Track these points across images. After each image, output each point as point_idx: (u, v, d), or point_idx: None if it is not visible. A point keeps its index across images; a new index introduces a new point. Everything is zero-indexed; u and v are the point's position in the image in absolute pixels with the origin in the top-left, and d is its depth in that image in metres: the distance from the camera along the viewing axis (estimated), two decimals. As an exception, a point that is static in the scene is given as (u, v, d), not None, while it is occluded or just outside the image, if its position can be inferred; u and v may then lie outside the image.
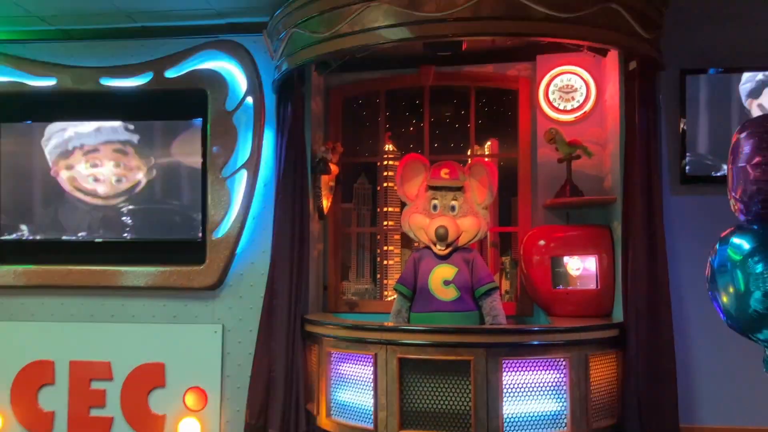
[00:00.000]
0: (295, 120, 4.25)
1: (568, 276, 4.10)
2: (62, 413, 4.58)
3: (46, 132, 4.79)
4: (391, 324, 4.00)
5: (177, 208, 4.68)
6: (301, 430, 4.06)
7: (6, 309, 4.75)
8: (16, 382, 4.63)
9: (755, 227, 2.19)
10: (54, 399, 4.59)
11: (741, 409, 4.01)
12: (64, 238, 4.78)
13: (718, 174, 4.04)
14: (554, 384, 3.57)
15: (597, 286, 4.03)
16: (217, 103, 4.55)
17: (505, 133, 4.69)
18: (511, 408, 3.49)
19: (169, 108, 4.72)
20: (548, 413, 3.55)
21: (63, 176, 4.76)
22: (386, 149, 4.91)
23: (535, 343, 3.59)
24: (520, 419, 3.51)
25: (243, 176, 4.52)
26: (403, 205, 4.29)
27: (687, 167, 4.13)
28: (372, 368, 3.66)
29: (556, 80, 4.32)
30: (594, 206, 4.19)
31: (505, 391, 3.48)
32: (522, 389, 3.53)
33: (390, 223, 4.88)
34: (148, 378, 4.53)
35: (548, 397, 3.56)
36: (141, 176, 4.69)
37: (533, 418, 3.53)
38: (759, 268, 2.10)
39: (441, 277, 4.01)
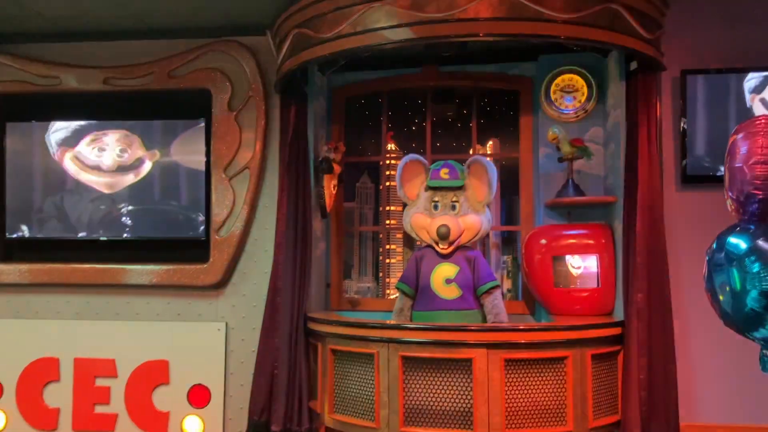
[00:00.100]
0: (298, 120, 4.29)
1: (569, 275, 4.12)
2: (67, 410, 4.61)
3: (52, 127, 4.81)
4: (393, 322, 4.02)
5: (181, 207, 4.71)
6: (303, 428, 4.08)
7: (11, 306, 4.78)
8: (21, 379, 4.66)
9: (751, 227, 2.22)
10: (59, 396, 4.62)
11: (741, 407, 4.03)
12: (69, 236, 4.81)
13: (719, 174, 4.05)
14: (555, 382, 3.59)
15: (598, 285, 4.05)
16: (221, 102, 4.58)
17: (507, 132, 4.71)
18: (512, 406, 3.51)
19: (173, 108, 4.76)
20: (549, 411, 3.57)
21: (67, 158, 4.78)
22: (388, 148, 4.93)
23: (537, 341, 3.61)
24: (522, 417, 3.53)
25: (246, 175, 4.55)
26: (405, 204, 4.31)
27: (687, 167, 4.15)
28: (374, 366, 3.69)
29: (558, 80, 4.33)
30: (595, 205, 4.21)
31: (506, 388, 3.50)
32: (523, 387, 3.55)
33: (392, 221, 4.91)
34: (152, 375, 4.56)
35: (549, 394, 3.58)
36: (143, 154, 4.72)
37: (534, 416, 3.55)
38: (755, 267, 2.13)
39: (443, 276, 4.03)
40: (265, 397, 4.17)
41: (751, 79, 4.05)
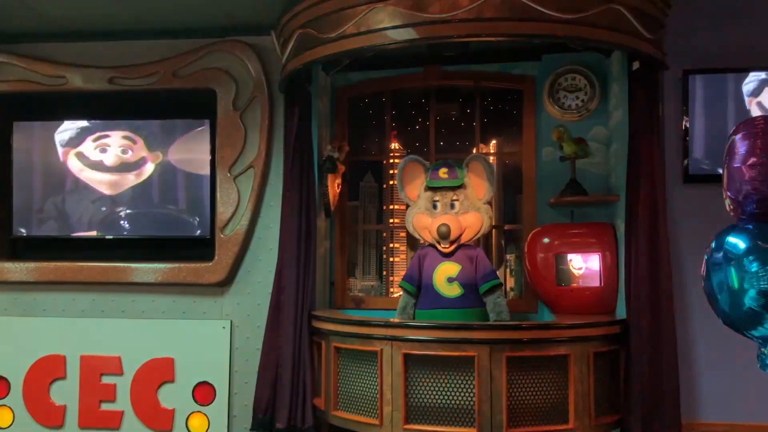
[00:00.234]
0: (303, 119, 4.31)
1: (572, 273, 4.13)
2: (73, 407, 4.65)
3: (60, 127, 4.86)
4: (396, 320, 4.05)
5: (186, 205, 4.74)
6: (307, 425, 4.11)
7: (18, 304, 4.82)
8: (28, 376, 4.70)
9: (750, 227, 2.24)
10: (65, 393, 4.66)
11: (743, 406, 4.03)
12: (75, 235, 4.85)
13: (720, 173, 4.05)
14: (558, 380, 3.61)
15: (601, 284, 4.07)
16: (226, 102, 4.60)
17: (510, 131, 4.71)
18: (514, 403, 3.53)
19: (178, 107, 4.79)
20: (552, 409, 3.59)
21: (71, 158, 4.82)
22: (392, 147, 4.95)
23: (539, 339, 3.63)
24: (524, 415, 3.55)
25: (251, 174, 4.58)
26: (408, 204, 4.34)
27: (690, 166, 4.16)
28: (377, 364, 3.71)
29: (561, 79, 4.35)
30: (598, 204, 4.22)
31: (508, 386, 3.52)
32: (526, 385, 3.57)
33: (396, 220, 4.92)
34: (158, 372, 4.60)
35: (552, 392, 3.60)
36: (148, 154, 4.75)
37: (537, 414, 3.57)
38: (754, 267, 2.15)
39: (445, 275, 4.05)
40: (270, 395, 4.20)
41: (750, 83, 4.06)
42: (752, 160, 2.21)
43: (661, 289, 3.76)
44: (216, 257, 4.58)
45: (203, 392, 4.57)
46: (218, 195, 4.61)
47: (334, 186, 4.50)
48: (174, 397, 4.58)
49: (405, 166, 4.29)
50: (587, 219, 4.27)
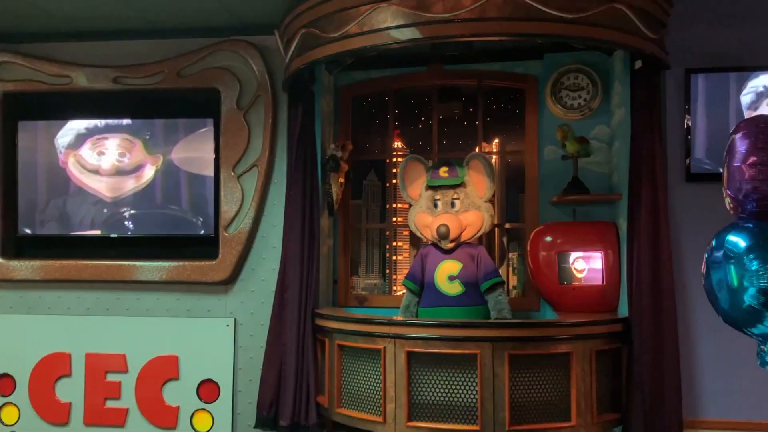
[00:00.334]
0: (306, 118, 4.34)
1: (574, 272, 4.15)
2: (78, 404, 4.68)
3: (61, 131, 4.87)
4: (399, 318, 4.06)
5: (190, 204, 4.76)
6: (311, 422, 4.13)
7: (24, 302, 4.85)
8: (33, 373, 4.73)
9: (750, 225, 2.25)
10: (71, 390, 4.69)
11: (744, 403, 4.03)
12: (80, 233, 4.87)
13: (722, 172, 4.06)
14: (560, 378, 3.62)
15: (603, 282, 4.08)
16: (230, 101, 4.62)
17: (513, 130, 4.73)
18: (517, 401, 3.55)
19: (182, 106, 4.81)
20: (554, 407, 3.61)
21: (71, 161, 4.84)
22: (395, 146, 4.97)
23: (541, 337, 3.65)
24: (526, 412, 3.57)
25: (255, 173, 4.60)
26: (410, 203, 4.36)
27: (691, 165, 4.16)
28: (381, 361, 3.73)
29: (563, 78, 4.35)
30: (600, 203, 4.23)
31: (511, 384, 3.54)
32: (528, 383, 3.59)
33: (399, 219, 4.94)
34: (162, 370, 4.62)
35: (554, 390, 3.62)
36: (152, 153, 4.78)
37: (539, 412, 3.59)
38: (754, 265, 2.16)
39: (446, 273, 4.07)
40: (274, 392, 4.23)
41: (747, 94, 4.06)
42: (752, 159, 2.22)
43: (662, 287, 3.77)
44: (220, 256, 4.60)
45: (207, 390, 4.59)
46: (222, 194, 4.63)
47: (337, 185, 4.51)
48: (178, 394, 4.61)
49: (406, 165, 4.31)
50: (589, 218, 4.28)
